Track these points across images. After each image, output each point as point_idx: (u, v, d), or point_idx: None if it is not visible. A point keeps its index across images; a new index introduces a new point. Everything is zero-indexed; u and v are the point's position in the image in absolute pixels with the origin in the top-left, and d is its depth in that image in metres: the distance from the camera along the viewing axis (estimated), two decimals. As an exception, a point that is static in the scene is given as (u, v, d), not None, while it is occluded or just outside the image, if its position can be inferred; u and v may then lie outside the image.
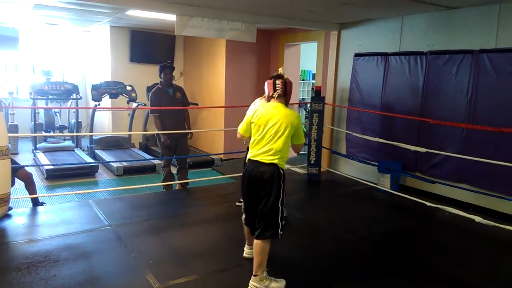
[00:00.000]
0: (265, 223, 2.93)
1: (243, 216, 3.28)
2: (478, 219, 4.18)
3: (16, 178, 4.29)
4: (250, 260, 3.15)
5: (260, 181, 2.93)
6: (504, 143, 4.35)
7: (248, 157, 3.05)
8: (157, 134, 5.42)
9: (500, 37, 4.46)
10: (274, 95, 3.04)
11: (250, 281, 2.93)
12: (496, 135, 4.32)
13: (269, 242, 2.96)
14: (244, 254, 3.43)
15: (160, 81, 5.42)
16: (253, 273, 2.93)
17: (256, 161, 2.95)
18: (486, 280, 3.22)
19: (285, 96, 3.06)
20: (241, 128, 3.18)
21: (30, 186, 4.45)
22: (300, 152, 6.97)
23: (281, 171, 2.98)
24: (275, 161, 2.93)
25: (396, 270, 3.33)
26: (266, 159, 2.93)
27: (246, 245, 3.44)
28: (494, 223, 4.09)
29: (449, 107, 4.90)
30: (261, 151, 2.95)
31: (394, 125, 5.54)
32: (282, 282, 2.99)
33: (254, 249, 2.97)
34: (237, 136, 3.27)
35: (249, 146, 3.08)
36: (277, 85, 3.04)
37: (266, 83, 3.11)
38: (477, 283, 3.17)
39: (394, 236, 4.06)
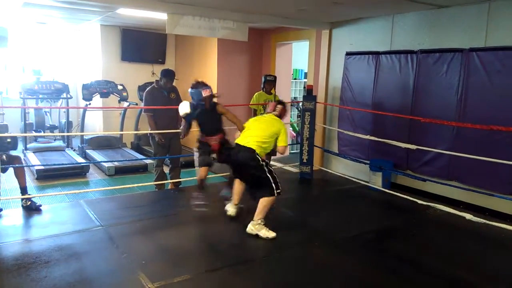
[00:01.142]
0: (261, 190, 3.85)
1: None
2: (468, 216, 4.22)
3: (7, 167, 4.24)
4: (243, 258, 3.17)
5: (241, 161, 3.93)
6: (494, 141, 4.39)
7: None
8: (150, 133, 5.40)
9: (490, 35, 4.50)
10: (272, 113, 4.25)
11: (249, 224, 3.80)
12: (486, 132, 4.36)
13: (269, 199, 3.81)
14: (229, 213, 4.22)
15: (157, 81, 5.40)
16: (253, 219, 3.80)
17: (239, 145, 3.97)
18: (477, 277, 3.25)
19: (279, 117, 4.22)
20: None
21: (19, 172, 4.36)
22: (290, 151, 7.37)
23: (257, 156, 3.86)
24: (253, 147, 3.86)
25: (387, 268, 3.35)
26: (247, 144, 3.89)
27: (232, 204, 4.23)
28: (484, 220, 4.13)
29: (440, 105, 4.94)
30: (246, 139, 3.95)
31: (385, 123, 5.57)
32: (272, 234, 3.75)
33: (259, 203, 3.81)
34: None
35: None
36: (276, 108, 4.28)
37: (270, 104, 4.53)
38: (468, 280, 3.20)
39: (385, 234, 4.08)
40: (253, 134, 3.98)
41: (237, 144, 4.00)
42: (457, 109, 4.77)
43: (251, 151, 3.83)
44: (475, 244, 3.92)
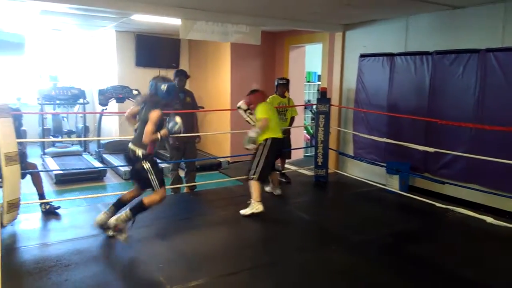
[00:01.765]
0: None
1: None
2: (489, 219, 4.15)
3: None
4: (260, 262, 3.21)
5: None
6: (513, 142, 4.32)
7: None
8: (166, 138, 5.44)
9: (506, 35, 4.43)
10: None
11: None
12: (504, 134, 4.29)
13: (252, 181, 4.49)
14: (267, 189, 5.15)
15: None
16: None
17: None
18: (498, 281, 3.20)
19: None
20: None
21: (36, 178, 4.45)
22: (305, 154, 7.55)
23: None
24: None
25: (406, 272, 3.31)
26: None
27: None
28: (506, 224, 4.06)
29: (457, 107, 4.88)
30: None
31: (401, 125, 5.52)
32: (260, 208, 4.39)
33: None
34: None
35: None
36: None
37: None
38: (489, 284, 3.15)
39: (403, 238, 4.03)
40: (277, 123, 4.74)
41: (278, 138, 4.62)
42: (475, 110, 4.71)
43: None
44: (496, 248, 3.85)
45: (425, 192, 5.28)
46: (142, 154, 3.54)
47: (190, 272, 3.19)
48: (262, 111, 4.60)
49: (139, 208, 3.61)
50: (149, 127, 3.47)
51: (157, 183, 3.58)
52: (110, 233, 3.70)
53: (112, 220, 3.59)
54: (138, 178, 3.72)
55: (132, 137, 3.77)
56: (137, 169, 3.61)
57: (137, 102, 3.86)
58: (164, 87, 3.61)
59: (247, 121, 4.90)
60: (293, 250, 3.65)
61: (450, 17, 4.96)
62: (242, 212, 4.45)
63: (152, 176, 3.56)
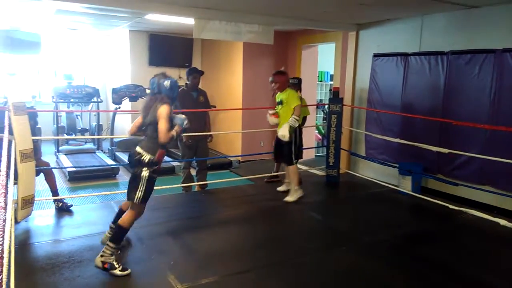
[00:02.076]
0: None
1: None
2: (503, 222, 4.08)
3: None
4: (270, 261, 3.23)
5: None
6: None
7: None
8: (178, 135, 5.46)
9: (524, 35, 4.36)
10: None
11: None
12: (521, 135, 4.22)
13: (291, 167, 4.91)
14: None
15: (186, 84, 5.47)
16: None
17: None
18: (510, 285, 3.15)
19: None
20: None
21: (49, 176, 4.51)
22: (316, 154, 7.61)
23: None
24: None
25: (417, 274, 3.28)
26: None
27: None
28: (519, 226, 4.00)
29: (472, 108, 4.81)
30: None
31: (414, 125, 5.46)
32: (301, 193, 4.94)
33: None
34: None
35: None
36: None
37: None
38: (500, 287, 3.10)
39: (416, 239, 3.99)
40: None
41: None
42: (490, 111, 4.63)
43: None
44: (509, 251, 3.79)
45: (438, 194, 5.22)
46: (149, 160, 3.19)
47: (200, 270, 3.21)
48: (295, 98, 4.88)
49: (119, 234, 3.20)
50: (162, 125, 3.14)
51: (141, 196, 3.15)
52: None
53: (98, 261, 3.09)
54: (131, 186, 3.27)
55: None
56: (135, 174, 3.23)
57: (141, 111, 3.41)
58: (167, 83, 3.29)
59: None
60: (303, 250, 3.64)
61: (465, 17, 4.89)
62: (288, 199, 4.89)
63: (141, 187, 3.15)
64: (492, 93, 4.62)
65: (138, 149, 3.27)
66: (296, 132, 4.98)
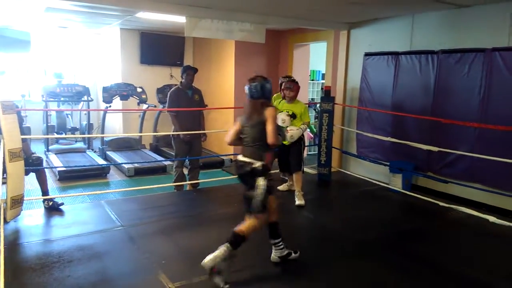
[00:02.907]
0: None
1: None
2: (492, 219, 4.14)
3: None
4: (263, 259, 3.27)
5: None
6: (518, 142, 4.29)
7: None
8: (172, 134, 5.45)
9: (513, 34, 4.41)
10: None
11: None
12: (509, 134, 4.26)
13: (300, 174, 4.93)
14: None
15: (181, 82, 5.44)
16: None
17: None
18: (500, 280, 3.18)
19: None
20: None
21: (42, 176, 4.47)
22: (308, 153, 7.57)
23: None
24: None
25: (408, 271, 3.30)
26: None
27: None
28: (509, 223, 4.05)
29: (461, 106, 4.85)
30: None
31: (405, 124, 5.50)
32: (300, 202, 4.75)
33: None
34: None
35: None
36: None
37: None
38: (491, 283, 3.14)
39: (407, 237, 4.02)
40: None
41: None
42: (480, 110, 4.68)
43: None
44: (499, 247, 3.84)
45: (428, 191, 5.26)
46: (262, 167, 3.02)
47: (193, 269, 3.19)
48: (307, 112, 4.97)
49: (240, 242, 2.99)
50: (271, 127, 2.99)
51: (259, 206, 2.96)
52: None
53: (208, 262, 2.92)
54: (248, 198, 3.06)
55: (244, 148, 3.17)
56: (251, 186, 3.00)
57: (242, 117, 3.25)
58: (269, 86, 3.20)
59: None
60: (295, 248, 3.64)
61: (456, 16, 4.93)
62: (301, 203, 4.76)
63: (259, 197, 2.95)
64: (481, 92, 4.66)
65: (243, 158, 3.11)
66: (303, 137, 4.99)
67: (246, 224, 3.02)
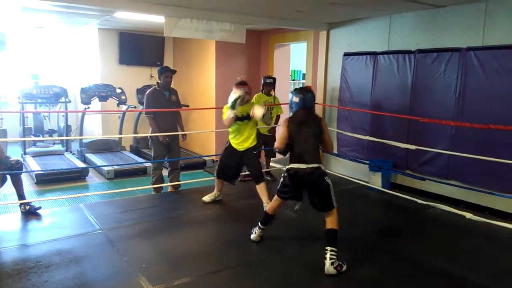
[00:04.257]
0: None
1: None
2: (468, 215, 4.22)
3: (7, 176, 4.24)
4: (244, 260, 3.24)
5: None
6: (493, 140, 4.39)
7: None
8: (150, 136, 5.40)
9: (487, 34, 4.51)
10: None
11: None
12: (484, 131, 4.37)
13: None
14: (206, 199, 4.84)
15: (158, 83, 5.39)
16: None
17: None
18: (477, 275, 3.25)
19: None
20: None
21: (16, 179, 4.36)
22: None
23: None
24: None
25: (388, 268, 3.35)
26: None
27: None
28: (484, 219, 4.14)
29: (438, 105, 4.95)
30: None
31: (384, 123, 5.57)
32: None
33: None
34: None
35: None
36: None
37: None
38: (469, 278, 3.20)
39: (386, 234, 4.08)
40: None
41: None
42: (456, 108, 4.78)
43: None
44: (475, 243, 3.92)
45: (407, 189, 5.35)
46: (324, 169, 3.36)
47: (173, 272, 3.17)
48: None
49: (335, 236, 3.27)
50: (328, 136, 3.46)
51: (335, 200, 3.35)
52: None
53: (331, 269, 3.14)
54: (322, 199, 3.34)
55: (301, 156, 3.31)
56: (323, 189, 3.31)
57: (291, 123, 3.40)
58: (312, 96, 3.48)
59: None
60: (277, 248, 3.66)
61: (432, 16, 5.03)
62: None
63: (332, 192, 3.34)
64: (457, 91, 4.76)
65: (304, 166, 3.29)
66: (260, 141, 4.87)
67: (333, 220, 3.32)
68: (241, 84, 4.45)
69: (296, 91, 3.46)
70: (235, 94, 4.29)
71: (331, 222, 3.31)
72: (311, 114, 3.44)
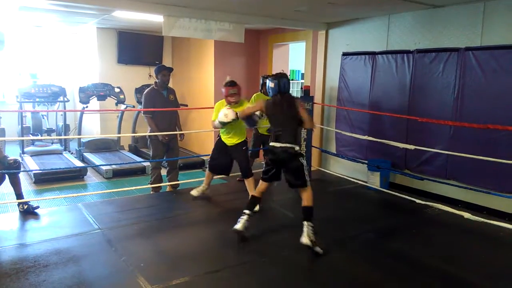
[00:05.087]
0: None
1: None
2: (467, 215, 4.23)
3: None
4: (242, 259, 3.26)
5: None
6: (491, 139, 4.40)
7: None
8: (148, 135, 5.39)
9: (485, 34, 4.52)
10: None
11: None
12: (482, 131, 4.38)
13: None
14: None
15: (155, 82, 5.37)
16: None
17: None
18: (475, 275, 3.26)
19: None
20: None
21: (15, 178, 4.35)
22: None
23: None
24: None
25: (387, 268, 3.35)
26: None
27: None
28: (482, 219, 4.15)
29: (437, 105, 4.96)
30: None
31: (382, 123, 5.58)
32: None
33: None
34: None
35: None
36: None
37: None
38: (467, 278, 3.21)
39: (384, 234, 4.08)
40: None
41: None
42: (454, 108, 4.79)
43: None
44: (473, 243, 3.93)
45: (406, 189, 5.36)
46: (300, 150, 3.62)
47: (171, 271, 3.17)
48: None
49: (310, 212, 3.59)
50: (306, 114, 3.64)
51: (308, 179, 3.63)
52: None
53: (305, 239, 3.47)
54: (294, 177, 3.62)
55: (280, 137, 3.56)
56: (294, 168, 3.58)
57: (267, 104, 3.71)
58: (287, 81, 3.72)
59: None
60: (276, 248, 3.66)
61: (431, 16, 5.03)
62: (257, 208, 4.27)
63: (306, 172, 3.61)
64: (455, 91, 4.77)
65: (281, 144, 3.56)
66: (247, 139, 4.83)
67: (307, 197, 3.59)
68: (231, 85, 4.50)
69: (272, 77, 3.73)
70: (227, 114, 4.33)
71: (306, 199, 3.59)
72: (287, 97, 3.68)
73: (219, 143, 4.76)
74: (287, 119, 3.60)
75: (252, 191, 4.45)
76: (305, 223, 3.52)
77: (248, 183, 4.68)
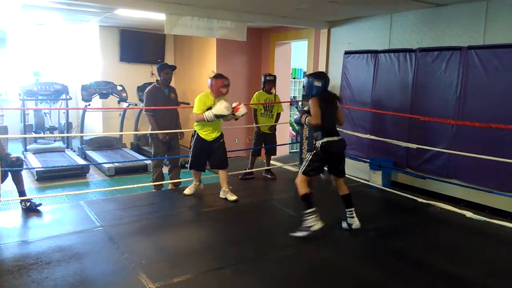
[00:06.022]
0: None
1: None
2: (469, 214, 4.23)
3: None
4: (244, 257, 3.23)
5: None
6: (493, 138, 4.39)
7: None
8: (150, 133, 5.41)
9: (488, 33, 4.50)
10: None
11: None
12: (485, 130, 4.37)
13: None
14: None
15: (157, 80, 5.38)
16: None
17: None
18: (477, 274, 3.25)
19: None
20: None
21: (17, 176, 4.36)
22: (290, 151, 7.53)
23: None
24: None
25: (389, 267, 3.35)
26: None
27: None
28: (484, 218, 4.14)
29: (439, 103, 4.95)
30: None
31: (384, 121, 5.57)
32: (234, 197, 4.74)
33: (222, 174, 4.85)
34: None
35: None
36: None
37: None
38: (469, 277, 3.21)
39: (386, 233, 4.07)
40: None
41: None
42: (456, 107, 4.77)
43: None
44: (475, 242, 3.93)
45: (408, 188, 5.35)
46: None
47: (173, 269, 3.18)
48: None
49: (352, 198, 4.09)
50: (341, 112, 4.12)
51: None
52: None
53: (357, 223, 3.99)
54: (343, 166, 4.04)
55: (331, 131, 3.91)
56: (343, 157, 4.02)
57: (321, 102, 3.88)
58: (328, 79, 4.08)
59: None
60: (277, 246, 3.67)
61: (433, 15, 5.02)
62: (234, 198, 4.79)
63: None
64: (458, 89, 4.76)
65: (335, 138, 3.89)
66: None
67: (345, 185, 4.09)
68: (223, 76, 4.79)
69: (316, 76, 4.01)
70: (220, 109, 4.57)
71: (346, 187, 4.06)
72: (330, 94, 4.03)
73: (199, 141, 4.78)
74: (334, 115, 3.97)
75: (224, 182, 4.83)
76: (350, 209, 3.97)
77: (223, 174, 4.86)
